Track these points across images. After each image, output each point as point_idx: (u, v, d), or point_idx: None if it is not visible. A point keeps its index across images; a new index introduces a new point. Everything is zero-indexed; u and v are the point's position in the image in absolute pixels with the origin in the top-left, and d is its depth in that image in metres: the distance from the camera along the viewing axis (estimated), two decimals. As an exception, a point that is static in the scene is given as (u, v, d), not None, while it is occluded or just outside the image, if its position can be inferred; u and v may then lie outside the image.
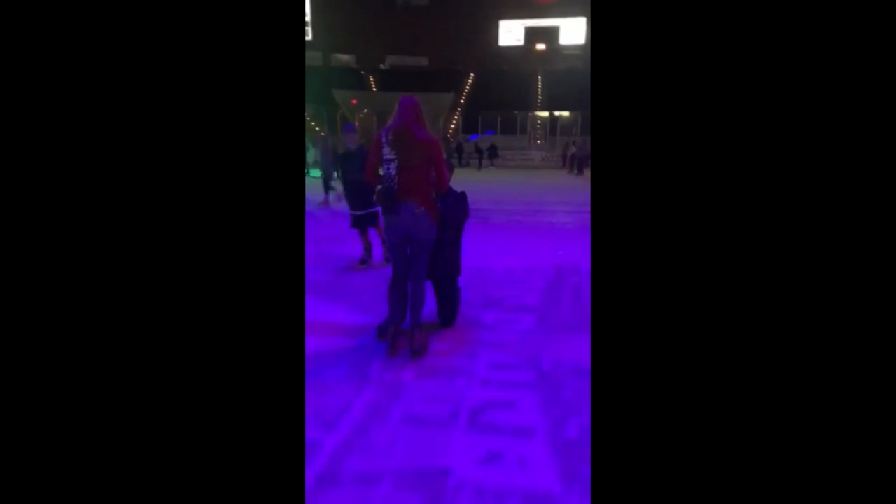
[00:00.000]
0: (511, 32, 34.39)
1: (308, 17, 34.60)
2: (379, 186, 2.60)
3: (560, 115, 26.90)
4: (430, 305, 3.16)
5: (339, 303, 3.55)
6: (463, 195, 3.02)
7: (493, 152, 22.76)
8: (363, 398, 2.23)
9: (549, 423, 2.03)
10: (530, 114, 27.72)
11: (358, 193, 4.34)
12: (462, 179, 16.76)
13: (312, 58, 32.68)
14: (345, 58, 33.78)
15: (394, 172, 2.51)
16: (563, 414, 2.10)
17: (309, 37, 34.65)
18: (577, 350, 2.73)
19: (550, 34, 33.41)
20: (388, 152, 2.53)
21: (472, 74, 31.24)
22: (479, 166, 21.93)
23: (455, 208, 2.92)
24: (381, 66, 33.10)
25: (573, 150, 19.65)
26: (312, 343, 2.72)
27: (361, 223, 4.52)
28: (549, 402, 2.20)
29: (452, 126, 28.06)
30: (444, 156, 2.55)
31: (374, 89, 30.74)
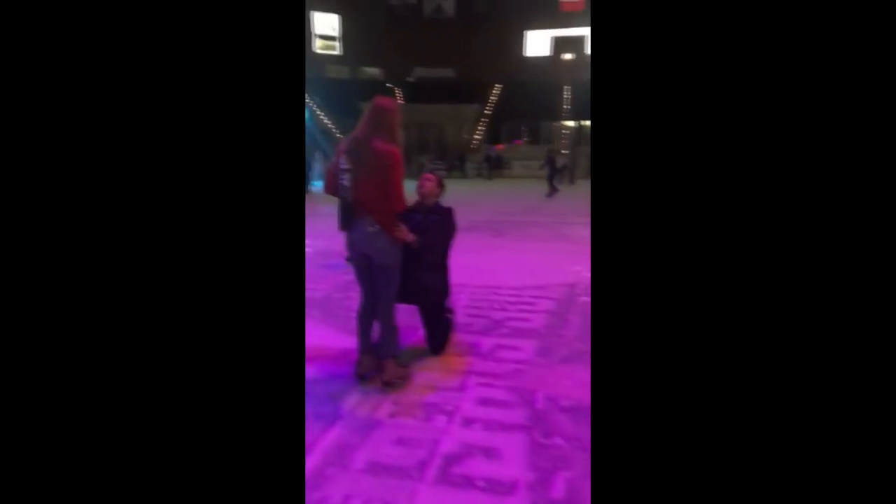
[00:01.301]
0: (538, 43, 34.16)
1: (337, 33, 35.36)
2: None
3: (585, 125, 26.42)
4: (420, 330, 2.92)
5: (326, 324, 3.35)
6: (449, 212, 2.77)
7: (498, 163, 22.64)
8: (327, 439, 1.99)
9: (532, 478, 1.75)
10: (554, 124, 27.35)
11: None
12: (478, 189, 16.21)
13: (341, 71, 33.31)
14: (372, 71, 34.22)
15: (347, 184, 2.29)
16: (551, 466, 1.82)
17: (338, 51, 35.36)
18: (577, 384, 2.44)
19: (577, 44, 33.01)
20: (343, 161, 2.31)
21: (497, 85, 31.12)
22: (489, 176, 21.78)
23: (440, 227, 2.66)
24: (408, 79, 33.36)
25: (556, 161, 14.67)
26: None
27: None
28: (537, 450, 1.92)
29: (477, 137, 27.96)
30: (403, 170, 2.30)
31: (401, 101, 30.98)
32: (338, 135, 25.61)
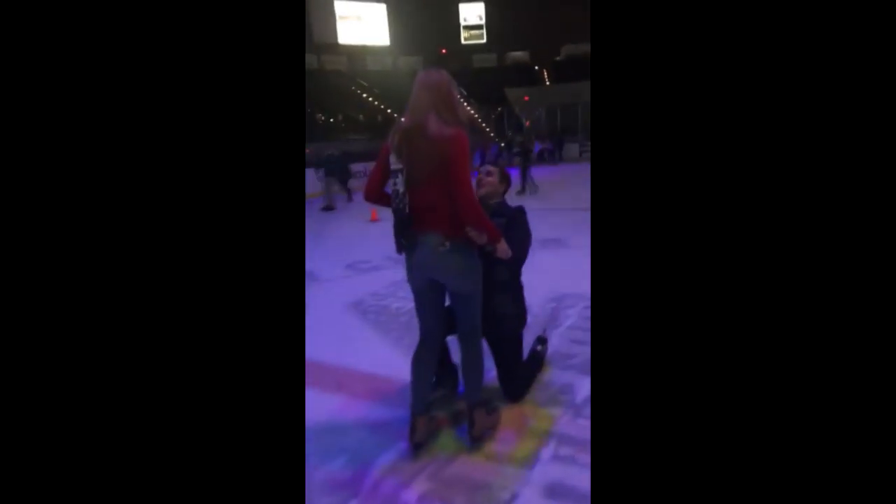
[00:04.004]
0: None
1: (483, 21, 35.33)
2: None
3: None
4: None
5: (383, 345, 2.87)
6: (520, 213, 2.05)
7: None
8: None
9: None
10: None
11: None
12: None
13: (488, 59, 33.20)
14: (519, 55, 33.42)
15: (402, 189, 1.71)
16: None
17: (483, 40, 35.33)
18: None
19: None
20: (394, 161, 1.71)
21: (657, 52, 27.82)
22: None
23: (509, 234, 1.90)
24: (556, 58, 31.83)
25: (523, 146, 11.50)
26: (323, 403, 2.08)
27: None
28: None
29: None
30: (473, 159, 1.65)
31: (548, 83, 29.67)
32: (482, 124, 25.47)
